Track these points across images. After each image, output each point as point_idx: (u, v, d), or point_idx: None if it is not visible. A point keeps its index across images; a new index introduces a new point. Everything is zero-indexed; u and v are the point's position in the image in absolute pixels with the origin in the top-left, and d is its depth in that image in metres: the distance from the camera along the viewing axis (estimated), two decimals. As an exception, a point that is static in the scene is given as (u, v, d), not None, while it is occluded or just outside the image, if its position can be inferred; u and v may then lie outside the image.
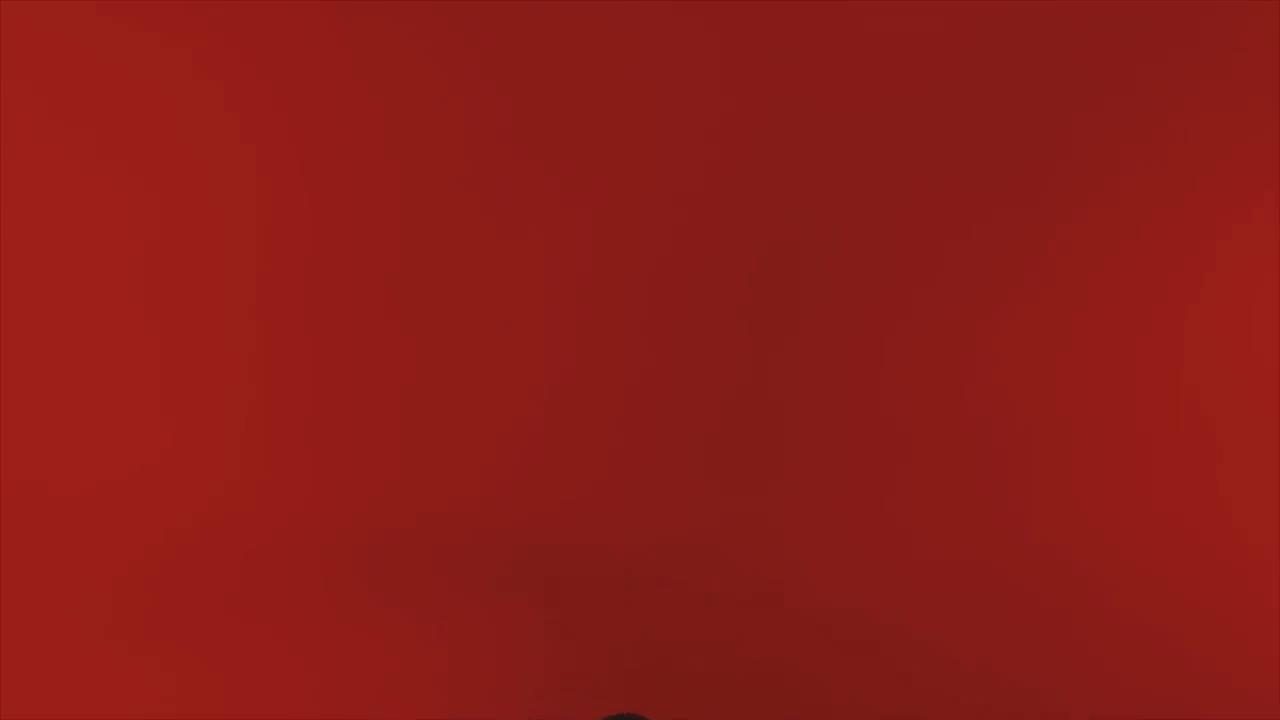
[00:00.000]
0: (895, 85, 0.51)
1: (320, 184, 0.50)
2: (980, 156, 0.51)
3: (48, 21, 0.49)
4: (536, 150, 0.51)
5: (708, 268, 0.52)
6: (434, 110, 0.50)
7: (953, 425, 0.51)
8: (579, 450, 0.51)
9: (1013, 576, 0.51)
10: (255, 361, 0.50)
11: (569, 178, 0.51)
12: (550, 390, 0.51)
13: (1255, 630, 0.51)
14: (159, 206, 0.49)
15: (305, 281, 0.50)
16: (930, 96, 0.51)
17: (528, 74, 0.51)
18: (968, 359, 0.51)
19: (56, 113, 0.49)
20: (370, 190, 0.50)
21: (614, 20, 0.51)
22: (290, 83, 0.50)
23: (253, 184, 0.50)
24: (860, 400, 0.52)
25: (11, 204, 0.49)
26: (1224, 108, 0.51)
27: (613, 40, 0.51)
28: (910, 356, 0.51)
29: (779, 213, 0.52)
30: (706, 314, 0.52)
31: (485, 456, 0.51)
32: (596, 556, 0.51)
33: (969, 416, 0.51)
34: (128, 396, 0.49)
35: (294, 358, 0.50)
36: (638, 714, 0.50)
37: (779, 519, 0.52)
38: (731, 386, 0.52)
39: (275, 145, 0.50)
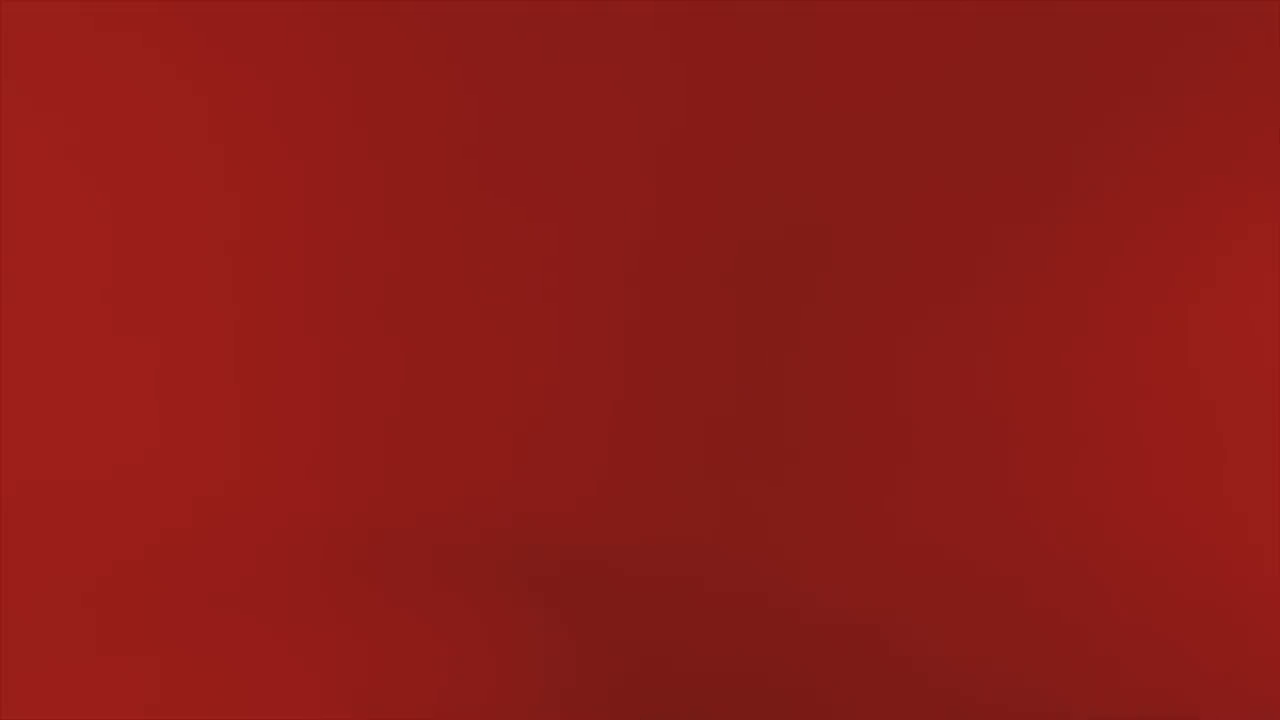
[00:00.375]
0: (899, 83, 0.51)
1: (318, 180, 0.50)
2: (980, 156, 0.51)
3: (34, 22, 0.49)
4: (534, 144, 0.51)
5: (707, 268, 0.52)
6: (426, 104, 0.50)
7: (954, 425, 0.51)
8: (579, 450, 0.51)
9: (1014, 576, 0.51)
10: (253, 360, 0.50)
11: (570, 173, 0.51)
12: (550, 390, 0.51)
13: (1257, 630, 0.51)
14: (153, 200, 0.49)
15: (303, 279, 0.50)
16: (932, 95, 0.51)
17: (523, 68, 0.51)
18: (969, 359, 0.51)
19: (52, 112, 0.49)
20: (368, 187, 0.50)
21: (613, 19, 0.51)
22: (285, 76, 0.50)
23: (250, 178, 0.50)
24: (861, 400, 0.52)
25: (2, 199, 0.49)
26: (1225, 107, 0.50)
27: (613, 39, 0.51)
28: (912, 356, 0.51)
29: (780, 211, 0.52)
30: (706, 313, 0.52)
31: (485, 456, 0.51)
32: (596, 556, 0.51)
33: (970, 416, 0.51)
34: (124, 395, 0.49)
35: (292, 356, 0.50)
36: None
37: (780, 519, 0.52)
38: (732, 386, 0.52)
39: (270, 141, 0.50)
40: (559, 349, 0.51)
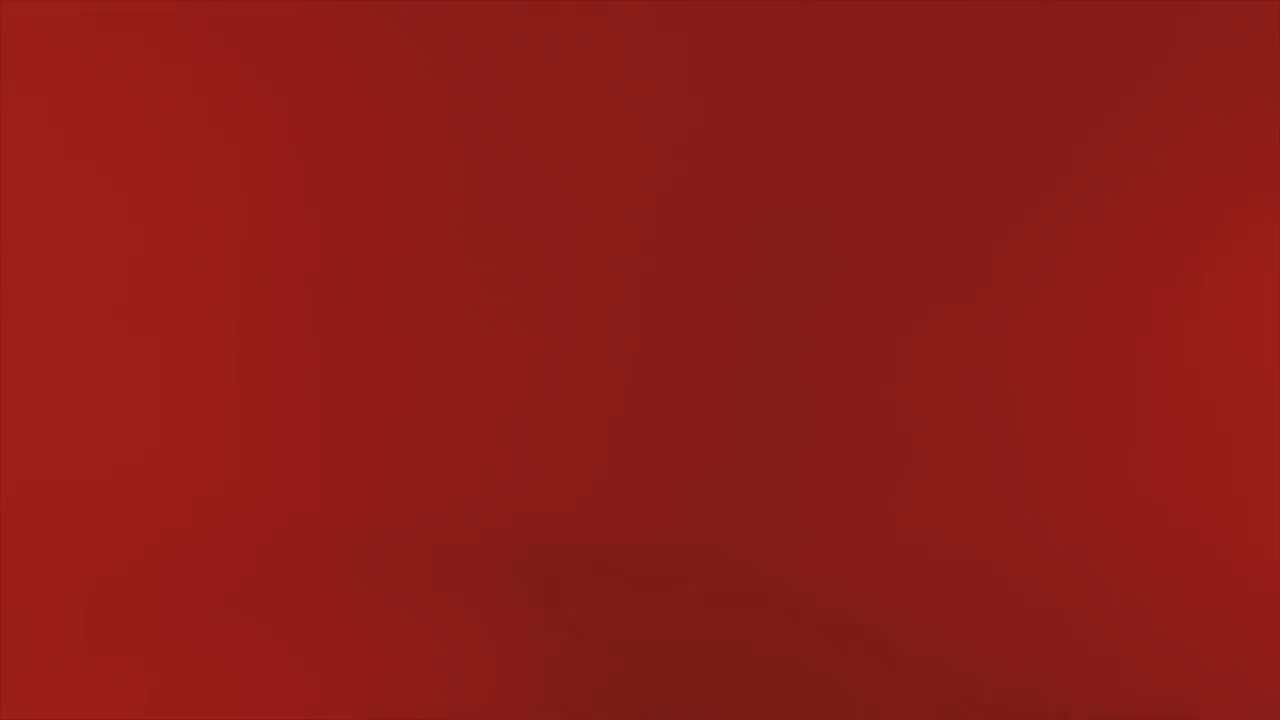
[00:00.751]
0: (898, 84, 0.51)
1: (318, 179, 0.50)
2: (980, 156, 0.51)
3: (38, 20, 0.49)
4: (534, 144, 0.51)
5: (707, 268, 0.52)
6: (426, 106, 0.50)
7: (954, 425, 0.51)
8: (579, 450, 0.51)
9: (1014, 576, 0.51)
10: (253, 360, 0.50)
11: (570, 173, 0.51)
12: (550, 390, 0.51)
13: (1257, 630, 0.51)
14: (153, 200, 0.49)
15: (304, 278, 0.50)
16: (931, 96, 0.51)
17: (524, 68, 0.51)
18: (969, 359, 0.51)
19: (52, 112, 0.49)
20: (369, 186, 0.50)
21: (612, 18, 0.51)
22: (286, 76, 0.50)
23: (250, 178, 0.50)
24: (861, 400, 0.52)
25: (3, 200, 0.49)
26: (1225, 107, 0.50)
27: (612, 39, 0.51)
28: (912, 356, 0.51)
29: (778, 210, 0.52)
30: (706, 314, 0.52)
31: (485, 456, 0.51)
32: (597, 556, 0.51)
33: (970, 417, 0.51)
34: (123, 394, 0.49)
35: (292, 355, 0.50)
36: None
37: (780, 519, 0.52)
38: (732, 386, 0.52)
39: (271, 141, 0.50)
40: (559, 349, 0.51)
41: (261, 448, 0.50)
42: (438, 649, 0.51)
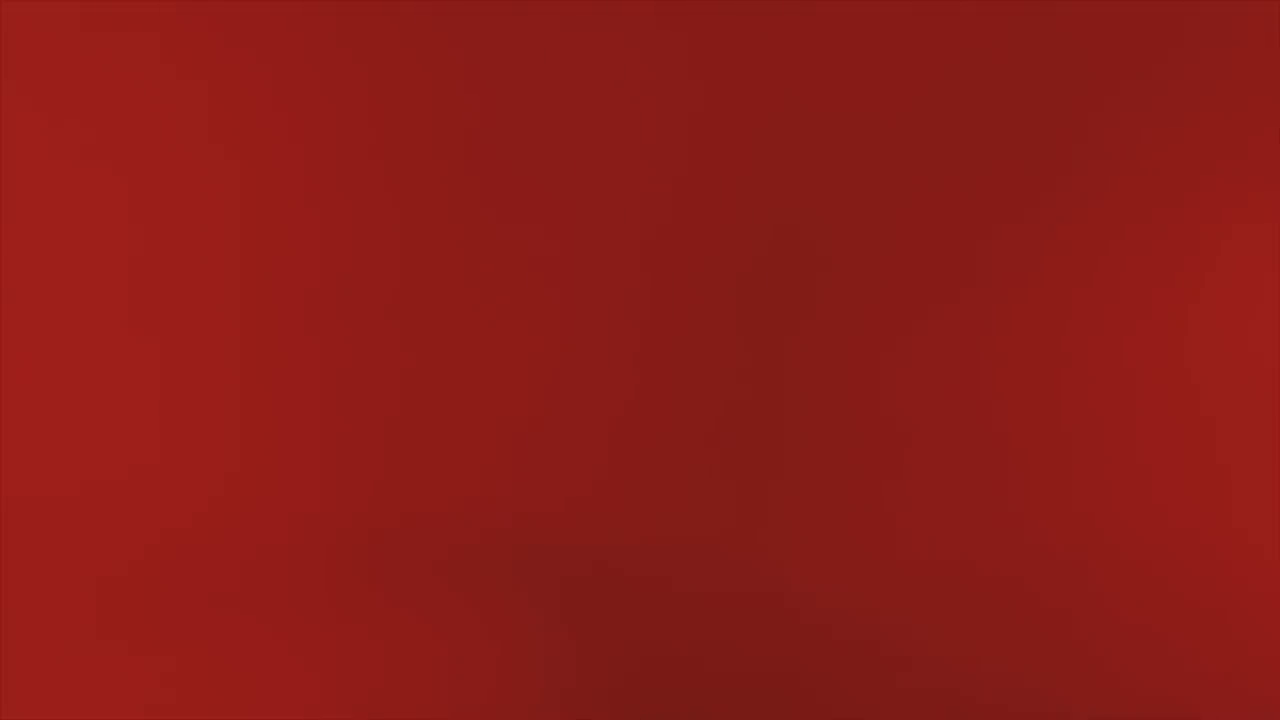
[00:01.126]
0: (899, 83, 0.51)
1: (319, 179, 0.50)
2: (980, 157, 0.51)
3: (38, 20, 0.49)
4: (535, 144, 0.51)
5: (707, 269, 0.52)
6: (426, 107, 0.50)
7: (953, 425, 0.51)
8: (580, 450, 0.51)
9: (1013, 576, 0.51)
10: (254, 359, 0.50)
11: (570, 174, 0.51)
12: (550, 390, 0.51)
13: (1257, 630, 0.51)
14: (153, 201, 0.49)
15: (304, 278, 0.50)
16: (930, 97, 0.51)
17: (523, 66, 0.51)
18: (968, 359, 0.51)
19: (53, 113, 0.49)
20: (370, 187, 0.50)
21: (612, 18, 0.51)
22: (287, 76, 0.50)
23: (251, 179, 0.50)
24: (861, 400, 0.52)
25: (3, 200, 0.49)
26: (1225, 107, 0.50)
27: (612, 39, 0.51)
28: (911, 356, 0.51)
29: (779, 211, 0.52)
30: (706, 314, 0.52)
31: (485, 456, 0.51)
32: (597, 556, 0.51)
33: (969, 416, 0.51)
34: (125, 394, 0.49)
35: (292, 355, 0.50)
36: None
37: (780, 519, 0.52)
38: (732, 386, 0.52)
39: (271, 141, 0.50)
40: (559, 349, 0.51)
41: (262, 448, 0.50)
42: (438, 649, 0.51)
